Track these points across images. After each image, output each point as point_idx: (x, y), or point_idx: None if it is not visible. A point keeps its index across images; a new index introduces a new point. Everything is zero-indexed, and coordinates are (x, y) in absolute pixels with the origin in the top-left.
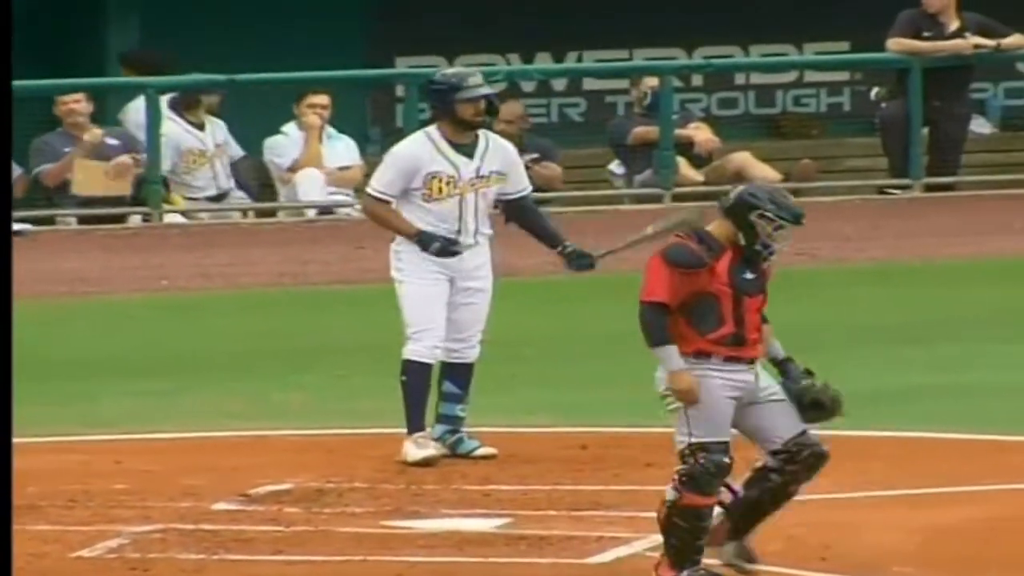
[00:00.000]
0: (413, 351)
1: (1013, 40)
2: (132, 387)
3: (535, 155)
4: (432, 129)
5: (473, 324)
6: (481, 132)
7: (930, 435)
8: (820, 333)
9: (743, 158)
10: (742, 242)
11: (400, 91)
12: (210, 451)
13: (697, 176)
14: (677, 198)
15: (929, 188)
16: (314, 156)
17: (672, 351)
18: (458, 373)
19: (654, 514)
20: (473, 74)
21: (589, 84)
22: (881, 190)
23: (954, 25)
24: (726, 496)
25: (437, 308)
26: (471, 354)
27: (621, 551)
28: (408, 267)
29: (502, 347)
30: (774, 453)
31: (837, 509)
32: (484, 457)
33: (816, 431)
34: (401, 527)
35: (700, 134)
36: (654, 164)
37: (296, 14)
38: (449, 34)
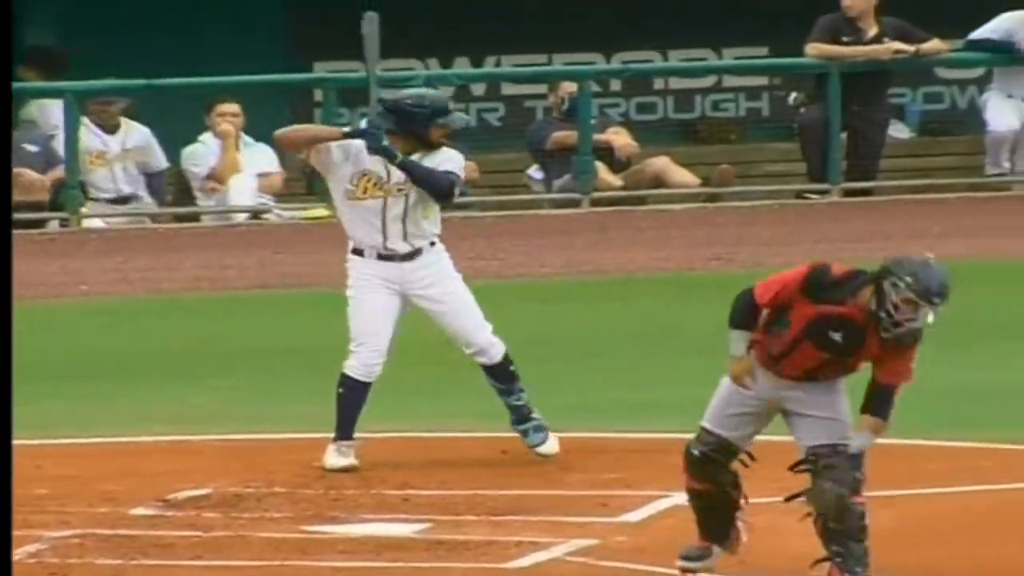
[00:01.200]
0: (349, 365)
1: (931, 45)
2: (53, 392)
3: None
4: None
5: (463, 333)
6: None
7: None
8: None
9: (662, 163)
10: (872, 306)
11: (319, 96)
12: (131, 456)
13: (616, 181)
14: (595, 203)
15: (847, 193)
16: (231, 164)
17: (741, 336)
18: (490, 373)
19: (574, 519)
20: (449, 98)
21: (508, 89)
22: (799, 195)
23: (873, 30)
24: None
25: (379, 321)
26: (485, 359)
27: (540, 556)
28: (354, 279)
29: (424, 351)
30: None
31: (756, 514)
32: (543, 455)
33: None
34: (320, 532)
35: (619, 139)
36: (573, 169)
37: (216, 19)
38: None
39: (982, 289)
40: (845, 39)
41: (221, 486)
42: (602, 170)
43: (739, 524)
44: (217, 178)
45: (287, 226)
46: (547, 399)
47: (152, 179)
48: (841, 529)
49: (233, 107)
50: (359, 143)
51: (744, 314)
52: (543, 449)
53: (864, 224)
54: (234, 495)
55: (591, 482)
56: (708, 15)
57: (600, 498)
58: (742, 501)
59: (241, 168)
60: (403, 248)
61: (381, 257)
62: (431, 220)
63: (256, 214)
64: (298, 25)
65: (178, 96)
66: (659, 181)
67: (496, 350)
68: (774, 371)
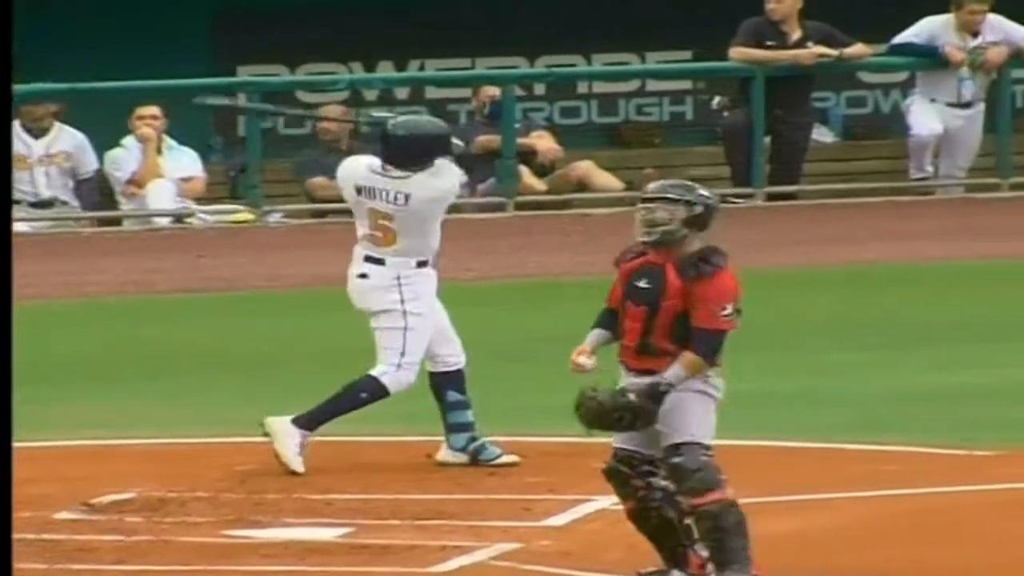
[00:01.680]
0: (400, 383)
1: (855, 50)
2: None
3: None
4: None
5: (452, 332)
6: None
7: (770, 443)
8: None
9: (586, 167)
10: None
11: (242, 100)
12: (55, 460)
13: (540, 185)
14: (520, 207)
15: (771, 197)
16: (153, 168)
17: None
18: (458, 380)
19: (497, 523)
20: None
21: (431, 93)
22: (723, 199)
23: (797, 34)
24: None
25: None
26: (463, 360)
27: (464, 560)
28: (420, 295)
29: (345, 356)
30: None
31: None
32: (507, 465)
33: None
34: (243, 536)
35: (543, 143)
36: (496, 173)
37: (141, 23)
38: (292, 43)
39: (905, 293)
40: (769, 43)
41: (144, 490)
42: (526, 174)
43: (699, 550)
44: (138, 182)
45: (211, 230)
46: (475, 402)
47: (81, 184)
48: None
49: (152, 110)
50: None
51: (599, 317)
52: (505, 459)
53: (788, 228)
54: (157, 499)
55: (514, 486)
56: (632, 19)
57: (523, 502)
58: (688, 522)
59: (163, 172)
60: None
61: (433, 270)
62: None
63: (180, 218)
64: (221, 29)
65: (102, 101)
66: (583, 185)
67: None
68: (631, 368)
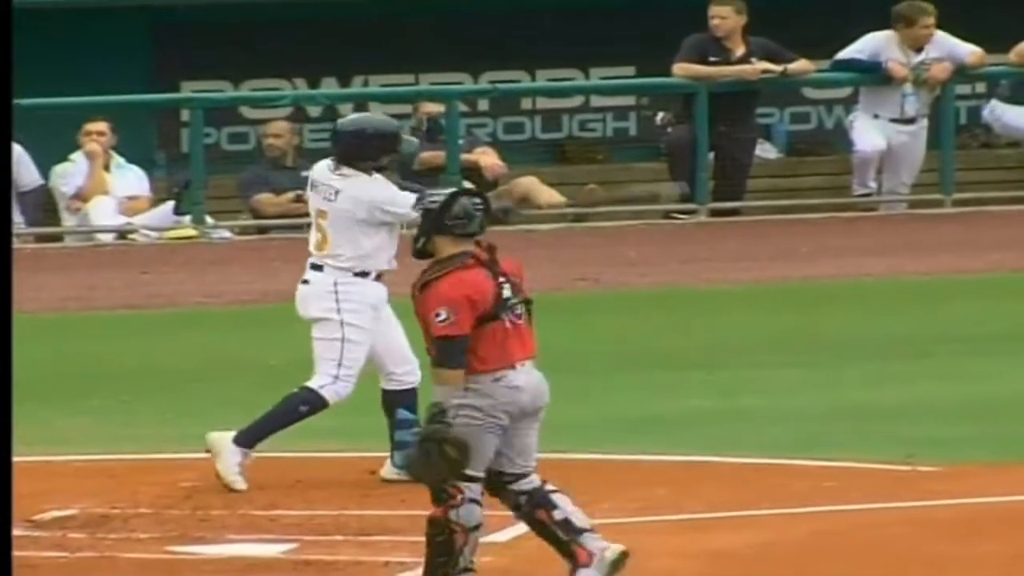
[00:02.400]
0: (337, 394)
1: (799, 66)
2: None
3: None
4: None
5: (407, 349)
6: None
7: (712, 459)
8: (597, 359)
9: (529, 183)
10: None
11: (186, 116)
12: None
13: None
14: None
15: (715, 213)
16: (99, 184)
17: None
18: (409, 398)
19: None
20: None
21: (375, 109)
22: (667, 215)
23: (740, 50)
24: None
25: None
26: (416, 378)
27: None
28: (357, 304)
29: (286, 371)
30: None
31: (619, 534)
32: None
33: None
34: (187, 553)
35: (486, 159)
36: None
37: (83, 39)
38: (235, 59)
39: (848, 309)
40: (713, 59)
41: (87, 507)
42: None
43: (585, 542)
44: (83, 197)
45: (154, 246)
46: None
47: (23, 197)
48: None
49: (100, 126)
50: None
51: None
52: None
53: (732, 244)
54: (100, 516)
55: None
56: (575, 35)
57: None
58: (547, 515)
59: (109, 189)
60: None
61: (377, 279)
62: None
63: (123, 234)
64: (162, 45)
65: (45, 116)
66: (526, 201)
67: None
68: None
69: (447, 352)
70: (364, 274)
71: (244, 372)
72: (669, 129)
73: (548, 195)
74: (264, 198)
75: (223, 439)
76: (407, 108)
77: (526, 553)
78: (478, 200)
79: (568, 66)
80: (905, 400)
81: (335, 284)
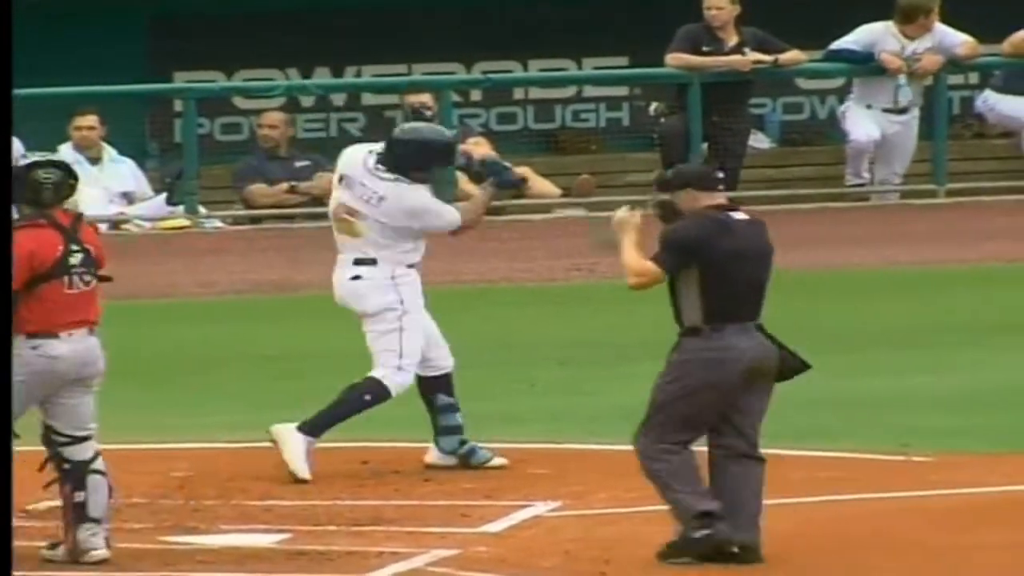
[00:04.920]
0: (401, 384)
1: (791, 56)
2: None
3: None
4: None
5: (440, 336)
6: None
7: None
8: (593, 349)
9: (523, 173)
10: None
11: (178, 106)
12: None
13: (476, 191)
14: None
15: None
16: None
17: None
18: (447, 384)
19: (435, 529)
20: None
21: (368, 99)
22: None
23: (733, 40)
24: None
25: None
26: (451, 362)
27: (401, 566)
28: (408, 298)
29: (279, 362)
30: None
31: (615, 523)
32: (497, 467)
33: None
34: (180, 543)
35: (479, 149)
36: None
37: (77, 30)
38: (228, 49)
39: (842, 299)
40: (705, 49)
41: None
42: (462, 181)
43: (80, 531)
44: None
45: (146, 236)
46: (403, 410)
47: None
48: None
49: (89, 119)
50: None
51: None
52: (496, 462)
53: None
54: None
55: (451, 492)
56: (568, 25)
57: (460, 508)
58: (68, 492)
59: (102, 183)
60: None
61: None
62: None
63: (116, 224)
64: (157, 35)
65: (37, 107)
66: (520, 191)
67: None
68: None
69: None
70: (411, 266)
71: (237, 362)
72: (662, 119)
73: (542, 186)
74: (257, 188)
75: (287, 429)
76: (398, 99)
77: (520, 543)
78: (49, 174)
79: (561, 56)
80: (899, 390)
81: (393, 277)
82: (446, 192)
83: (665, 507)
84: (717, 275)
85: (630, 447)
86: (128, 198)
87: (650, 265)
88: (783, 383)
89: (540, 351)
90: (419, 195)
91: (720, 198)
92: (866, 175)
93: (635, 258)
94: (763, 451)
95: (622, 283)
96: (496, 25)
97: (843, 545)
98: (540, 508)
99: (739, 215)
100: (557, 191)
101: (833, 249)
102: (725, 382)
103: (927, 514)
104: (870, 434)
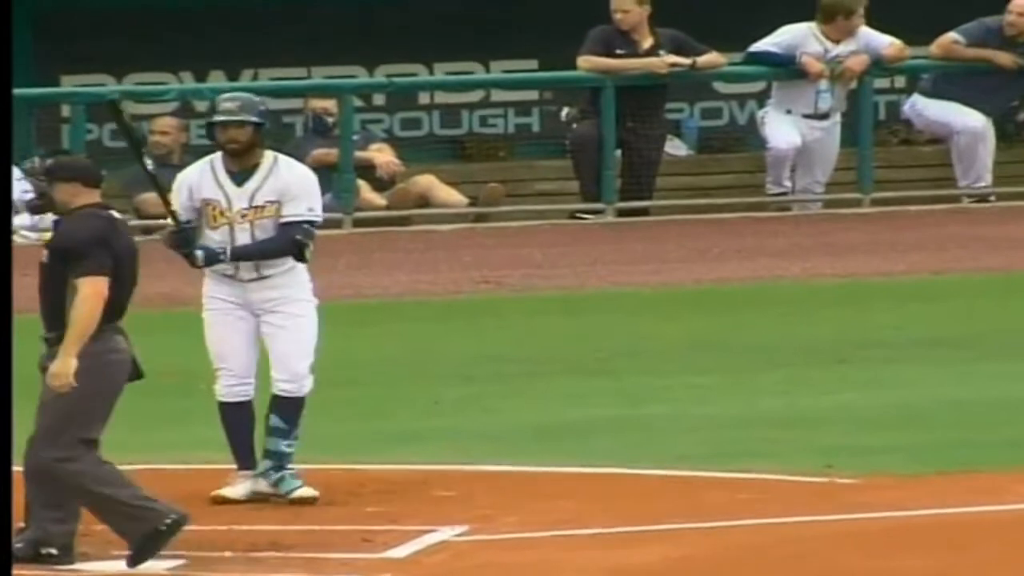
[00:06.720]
0: (216, 391)
1: (709, 58)
2: None
3: None
4: (216, 156)
5: (285, 358)
6: (269, 159)
7: (620, 471)
8: (500, 364)
9: (428, 181)
10: None
11: (66, 111)
12: None
13: (379, 200)
14: (358, 223)
15: (622, 213)
16: None
17: None
18: (282, 407)
19: (336, 555)
20: (231, 99)
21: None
22: (572, 215)
23: (648, 42)
24: None
25: (235, 342)
26: (292, 388)
27: None
28: (206, 299)
29: (175, 379)
30: None
31: (525, 549)
32: (303, 499)
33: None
34: (71, 570)
35: (382, 156)
36: (333, 188)
37: None
38: (118, 52)
39: (762, 313)
40: (619, 52)
41: None
42: (364, 189)
43: None
44: None
45: (34, 247)
46: (312, 429)
47: None
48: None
49: None
50: (194, 177)
51: None
52: (303, 493)
53: (640, 245)
54: None
55: (352, 517)
56: (475, 27)
57: (363, 533)
58: None
59: None
60: (252, 274)
61: (227, 277)
62: None
63: None
64: (42, 37)
65: None
66: (424, 200)
67: (306, 384)
68: None
69: None
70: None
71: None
72: (574, 125)
73: (447, 195)
74: (149, 197)
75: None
76: (299, 103)
77: (426, 569)
78: None
79: (467, 59)
80: (822, 408)
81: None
82: (348, 203)
83: (579, 531)
84: (118, 276)
85: (540, 468)
86: (13, 208)
87: (88, 291)
88: None
89: (444, 367)
90: None
91: (98, 196)
92: (787, 183)
93: (80, 323)
94: (681, 472)
95: (530, 295)
96: (400, 26)
97: (763, 570)
98: (446, 533)
99: (117, 214)
100: (463, 200)
101: (753, 260)
102: (120, 384)
103: (850, 538)
104: (793, 455)
